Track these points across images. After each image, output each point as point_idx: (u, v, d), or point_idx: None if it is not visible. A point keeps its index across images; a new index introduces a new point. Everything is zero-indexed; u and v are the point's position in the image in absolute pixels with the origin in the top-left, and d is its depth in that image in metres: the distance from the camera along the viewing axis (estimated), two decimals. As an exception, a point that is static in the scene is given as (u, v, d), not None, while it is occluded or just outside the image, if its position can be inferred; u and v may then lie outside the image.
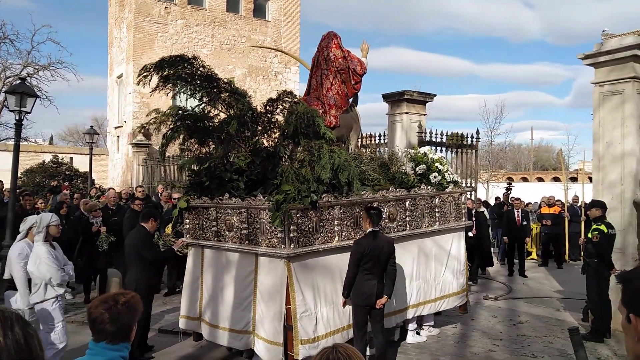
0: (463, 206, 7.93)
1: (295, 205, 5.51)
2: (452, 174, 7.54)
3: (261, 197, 5.76)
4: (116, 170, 25.16)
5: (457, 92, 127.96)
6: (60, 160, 21.87)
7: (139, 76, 5.62)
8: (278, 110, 6.17)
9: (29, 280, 5.83)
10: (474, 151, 12.31)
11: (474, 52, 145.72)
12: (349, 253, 5.86)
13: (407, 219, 6.93)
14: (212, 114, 5.88)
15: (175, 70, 5.54)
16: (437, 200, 7.37)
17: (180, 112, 5.80)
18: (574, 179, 33.58)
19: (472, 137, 12.25)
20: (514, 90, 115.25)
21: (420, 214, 7.12)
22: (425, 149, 7.49)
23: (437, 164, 7.21)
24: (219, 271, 6.42)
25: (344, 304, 5.91)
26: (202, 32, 24.01)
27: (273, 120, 6.25)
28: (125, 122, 23.69)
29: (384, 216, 6.56)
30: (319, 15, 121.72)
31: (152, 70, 5.52)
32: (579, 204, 14.73)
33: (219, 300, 6.37)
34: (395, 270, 6.02)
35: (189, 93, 5.81)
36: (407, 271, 7.00)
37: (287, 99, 6.02)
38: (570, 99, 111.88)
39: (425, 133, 11.68)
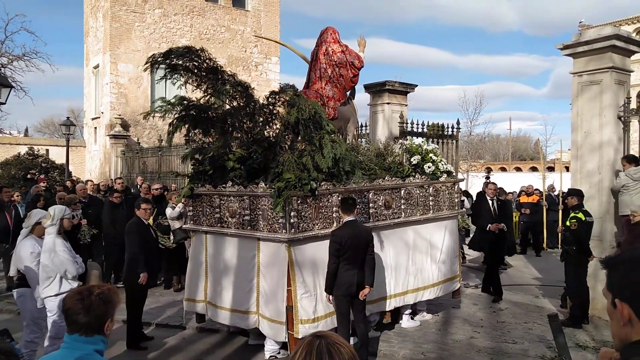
0: (456, 195, 8.17)
1: (296, 193, 5.77)
2: (445, 163, 7.80)
3: (263, 184, 5.99)
4: (94, 162, 24.79)
5: (437, 83, 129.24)
6: (36, 152, 21.44)
7: (146, 64, 5.72)
8: (279, 103, 6.32)
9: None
10: (454, 141, 12.53)
11: (453, 43, 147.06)
12: None
13: (402, 206, 7.17)
14: (216, 105, 6.01)
15: (183, 61, 5.66)
16: (431, 189, 7.64)
17: (185, 102, 5.92)
18: (551, 169, 34.24)
19: (452, 127, 12.50)
20: (492, 81, 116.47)
21: (415, 202, 7.36)
22: (418, 140, 7.73)
23: (431, 155, 7.48)
24: (222, 256, 6.63)
25: (329, 299, 5.91)
26: (181, 21, 23.71)
27: (274, 112, 6.42)
28: (102, 113, 23.29)
29: (380, 204, 6.80)
30: (299, 4, 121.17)
31: (160, 59, 5.61)
32: (555, 193, 15.11)
33: (223, 283, 6.58)
34: (374, 259, 6.02)
35: (194, 84, 5.93)
36: (403, 258, 7.23)
37: (288, 91, 6.19)
38: (548, 90, 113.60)
39: (407, 123, 11.83)
